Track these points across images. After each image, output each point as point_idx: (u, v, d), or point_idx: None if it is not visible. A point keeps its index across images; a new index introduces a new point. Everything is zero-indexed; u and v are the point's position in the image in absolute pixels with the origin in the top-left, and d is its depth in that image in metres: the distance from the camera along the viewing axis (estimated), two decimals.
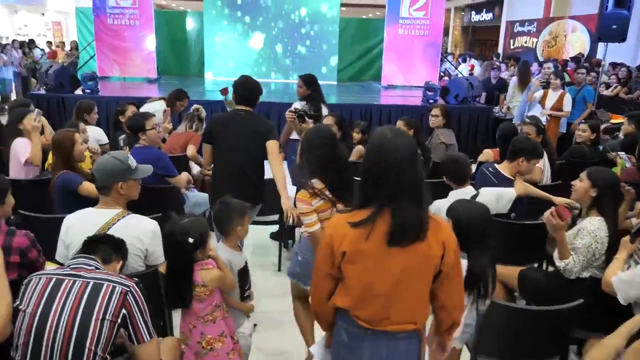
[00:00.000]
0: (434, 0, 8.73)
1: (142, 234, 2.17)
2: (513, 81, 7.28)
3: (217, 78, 9.47)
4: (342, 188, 2.39)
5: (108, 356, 1.61)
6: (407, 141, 1.56)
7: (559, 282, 2.60)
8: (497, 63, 8.72)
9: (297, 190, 2.56)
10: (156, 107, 4.60)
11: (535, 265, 3.24)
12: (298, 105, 4.12)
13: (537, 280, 2.75)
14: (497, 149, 4.07)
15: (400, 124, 4.10)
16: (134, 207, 2.33)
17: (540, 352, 2.30)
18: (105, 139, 4.30)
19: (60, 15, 18.15)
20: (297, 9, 9.45)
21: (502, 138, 3.93)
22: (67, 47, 12.94)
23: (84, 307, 1.57)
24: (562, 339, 2.26)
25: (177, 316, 2.23)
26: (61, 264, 2.15)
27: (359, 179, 1.64)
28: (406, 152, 1.52)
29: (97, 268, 1.72)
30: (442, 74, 10.42)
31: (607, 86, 8.70)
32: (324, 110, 4.37)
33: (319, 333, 1.96)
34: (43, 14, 17.30)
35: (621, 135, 4.83)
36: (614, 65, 9.30)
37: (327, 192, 2.36)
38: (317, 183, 2.37)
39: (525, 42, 14.22)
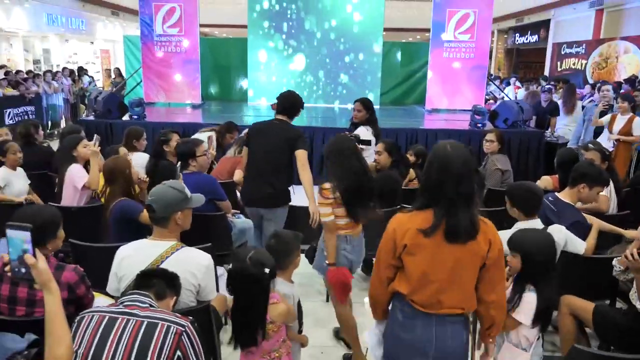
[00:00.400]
0: (480, 23, 8.53)
1: (195, 268, 2.08)
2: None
3: (259, 103, 9.54)
4: (356, 203, 2.59)
5: None
6: (465, 155, 1.80)
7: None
8: (549, 85, 8.34)
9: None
10: (206, 137, 4.61)
11: (607, 302, 2.94)
12: (363, 131, 4.18)
13: (615, 320, 2.48)
14: (557, 176, 3.84)
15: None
16: (183, 235, 2.28)
17: None
18: None
19: (108, 44, 19.05)
20: (341, 36, 9.47)
21: (562, 165, 3.72)
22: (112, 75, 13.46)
23: (137, 349, 1.51)
24: None
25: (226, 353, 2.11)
26: (111, 296, 2.13)
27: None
28: (464, 165, 1.76)
29: (151, 305, 1.65)
30: (487, 97, 10.13)
31: None
32: (365, 136, 4.25)
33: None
34: (92, 43, 18.18)
35: None
36: None
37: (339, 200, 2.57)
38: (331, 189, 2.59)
39: (574, 64, 13.72)
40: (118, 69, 12.59)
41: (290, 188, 3.39)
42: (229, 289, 2.04)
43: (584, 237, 2.87)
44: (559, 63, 14.45)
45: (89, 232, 3.05)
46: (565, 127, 7.27)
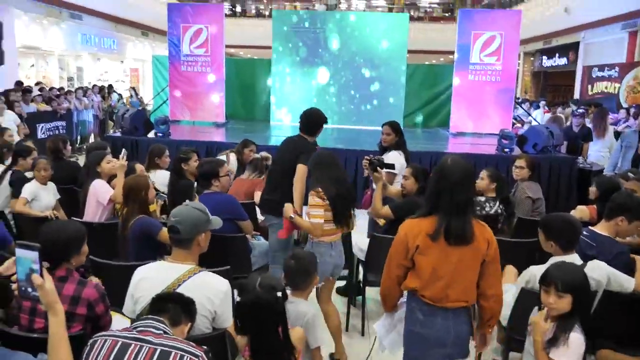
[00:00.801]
0: (507, 45, 8.39)
1: (213, 294, 2.01)
2: None
3: (281, 123, 9.56)
4: (342, 210, 2.87)
5: None
6: (462, 168, 2.03)
7: None
8: (581, 109, 8.07)
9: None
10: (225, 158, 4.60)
11: None
12: (395, 155, 4.13)
13: None
14: (594, 206, 3.61)
15: (484, 174, 3.90)
16: (201, 256, 2.23)
17: None
18: None
19: (137, 63, 19.57)
20: (365, 58, 9.47)
21: (604, 195, 3.45)
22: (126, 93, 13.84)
23: None
24: None
25: None
26: (127, 317, 2.11)
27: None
28: (460, 177, 2.01)
29: (165, 332, 1.61)
30: (514, 121, 9.90)
31: None
32: (397, 160, 4.12)
33: None
34: (122, 62, 18.71)
35: None
36: None
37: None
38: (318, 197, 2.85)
39: (606, 88, 13.34)
40: (134, 89, 13.40)
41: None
42: (237, 327, 1.95)
43: (628, 271, 2.62)
44: (589, 86, 14.09)
45: (109, 249, 3.04)
46: (598, 153, 6.97)
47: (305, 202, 3.13)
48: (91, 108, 11.22)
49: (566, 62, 16.48)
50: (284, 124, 9.52)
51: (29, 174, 4.14)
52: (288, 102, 9.68)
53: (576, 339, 1.92)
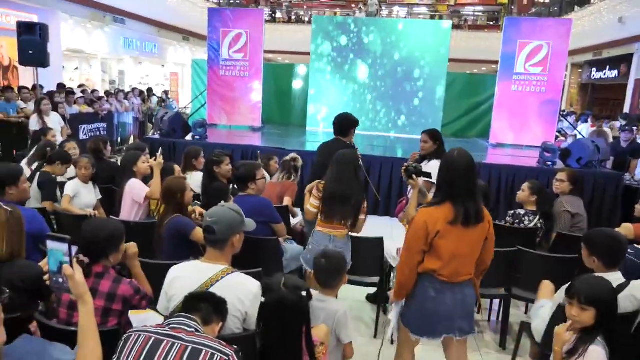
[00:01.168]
0: (554, 56, 8.11)
1: (244, 295, 2.02)
2: None
3: (317, 129, 9.55)
4: (332, 205, 3.12)
5: None
6: (468, 159, 2.33)
7: None
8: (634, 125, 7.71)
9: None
10: None
11: None
12: (436, 164, 3.97)
13: None
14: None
15: (525, 186, 3.94)
16: (233, 257, 2.25)
17: None
18: None
19: (177, 67, 20.05)
20: (405, 66, 9.38)
21: None
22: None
23: None
24: None
25: None
26: (161, 314, 2.16)
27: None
28: (468, 166, 2.31)
29: (196, 330, 1.64)
30: (557, 134, 9.55)
31: None
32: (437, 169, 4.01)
33: None
34: (163, 66, 19.21)
35: None
36: None
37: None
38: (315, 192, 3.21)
39: None
40: (166, 92, 14.20)
41: None
42: (259, 327, 1.93)
43: None
44: None
45: (144, 248, 3.04)
46: None
47: None
48: (132, 111, 11.54)
49: (617, 75, 15.76)
50: (320, 130, 9.51)
51: (59, 178, 4.22)
52: (325, 108, 9.66)
53: (596, 352, 1.88)
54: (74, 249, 1.55)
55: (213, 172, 4.00)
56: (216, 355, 1.52)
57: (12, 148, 7.55)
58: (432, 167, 4.00)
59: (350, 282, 3.31)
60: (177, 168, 3.99)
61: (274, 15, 25.19)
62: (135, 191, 3.79)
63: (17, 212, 2.25)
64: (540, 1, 23.43)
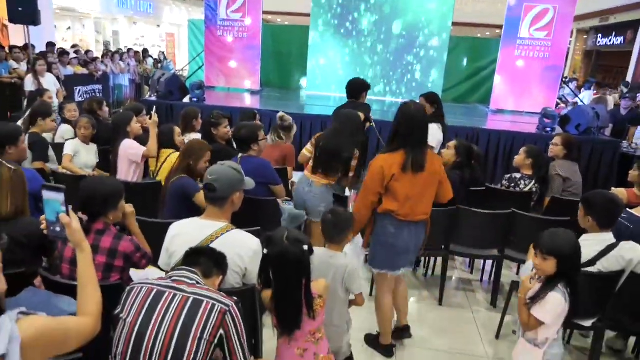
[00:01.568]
0: (560, 19, 7.93)
1: (244, 252, 2.08)
2: None
3: (317, 92, 9.45)
4: (324, 159, 3.38)
5: None
6: (422, 114, 2.66)
7: None
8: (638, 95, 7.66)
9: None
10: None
11: None
12: (434, 128, 4.07)
13: None
14: (633, 190, 3.56)
15: (522, 150, 4.01)
16: (233, 216, 2.28)
17: None
18: None
19: (173, 28, 19.63)
20: (407, 30, 9.17)
21: None
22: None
23: (182, 324, 1.54)
24: None
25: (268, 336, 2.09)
26: (162, 270, 2.20)
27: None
28: (422, 120, 2.64)
29: (198, 283, 1.67)
30: (558, 101, 9.49)
31: None
32: (435, 133, 4.03)
33: None
34: (159, 26, 18.79)
35: None
36: None
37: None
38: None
39: None
40: (163, 53, 13.96)
41: None
42: (261, 278, 1.99)
43: None
44: None
45: (143, 208, 3.08)
46: None
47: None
48: (127, 72, 11.37)
49: (622, 42, 15.51)
50: (318, 94, 9.41)
51: (47, 136, 4.17)
52: (324, 71, 9.54)
53: (554, 297, 1.99)
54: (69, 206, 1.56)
55: (211, 134, 4.00)
56: (217, 306, 1.56)
57: (6, 109, 7.49)
58: (432, 132, 4.02)
59: None
60: (177, 130, 3.98)
61: None
62: (131, 151, 3.79)
63: (20, 171, 2.26)
64: None
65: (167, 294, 1.59)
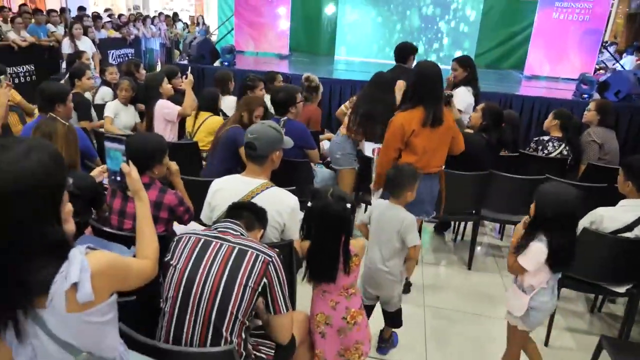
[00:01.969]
0: None
1: (282, 208, 2.14)
2: None
3: (347, 57, 9.34)
4: (367, 123, 3.50)
5: (247, 321, 1.63)
6: (437, 71, 2.77)
7: None
8: None
9: None
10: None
11: None
12: (463, 91, 4.06)
13: None
14: None
15: (550, 116, 3.97)
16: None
17: None
18: None
19: None
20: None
21: None
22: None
23: (229, 271, 1.60)
24: None
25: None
26: (204, 224, 2.25)
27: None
28: (434, 76, 2.76)
29: (242, 234, 1.73)
30: (597, 66, 9.12)
31: None
32: (464, 95, 3.98)
33: None
34: None
35: None
36: None
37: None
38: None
39: None
40: (202, 17, 13.71)
41: None
42: (303, 231, 2.06)
43: None
44: None
45: (180, 167, 3.19)
46: None
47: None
48: (158, 36, 11.43)
49: None
50: (347, 59, 9.30)
51: (87, 96, 4.32)
52: (353, 37, 9.39)
53: (536, 246, 2.03)
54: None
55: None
56: (260, 256, 1.62)
57: (45, 72, 7.69)
58: (460, 93, 3.98)
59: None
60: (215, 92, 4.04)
61: None
62: (166, 110, 3.89)
63: (72, 127, 2.39)
64: None
65: (214, 244, 1.65)
